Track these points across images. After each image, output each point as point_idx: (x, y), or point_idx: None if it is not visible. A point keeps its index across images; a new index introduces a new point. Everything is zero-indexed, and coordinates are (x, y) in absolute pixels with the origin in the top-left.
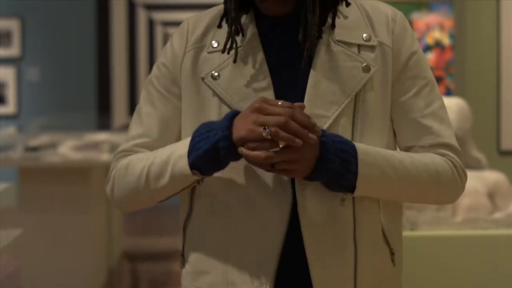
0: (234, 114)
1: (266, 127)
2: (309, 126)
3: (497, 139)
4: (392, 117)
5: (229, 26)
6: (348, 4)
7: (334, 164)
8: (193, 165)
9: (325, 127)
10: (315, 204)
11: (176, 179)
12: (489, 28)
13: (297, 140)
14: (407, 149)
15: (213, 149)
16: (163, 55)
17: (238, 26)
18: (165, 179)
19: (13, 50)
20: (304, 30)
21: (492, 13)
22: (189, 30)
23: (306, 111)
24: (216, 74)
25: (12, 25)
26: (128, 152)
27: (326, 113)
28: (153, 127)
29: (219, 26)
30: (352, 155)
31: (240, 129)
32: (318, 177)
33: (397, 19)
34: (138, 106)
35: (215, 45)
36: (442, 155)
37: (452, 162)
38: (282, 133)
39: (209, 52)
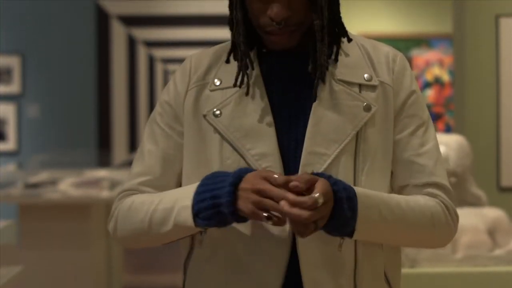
0: (238, 178)
1: (269, 216)
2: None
3: (497, 175)
4: None
5: (239, 61)
6: (349, 40)
7: (346, 212)
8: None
9: (325, 165)
10: (313, 249)
11: (180, 228)
12: (489, 64)
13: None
14: (401, 188)
15: (218, 215)
16: (166, 93)
17: (248, 60)
18: (168, 227)
19: (14, 87)
20: (313, 60)
21: (491, 50)
22: (191, 68)
23: (307, 149)
24: (218, 112)
25: (12, 62)
26: (132, 191)
27: (327, 151)
28: (155, 165)
29: (227, 61)
30: (353, 198)
31: (244, 205)
32: (331, 225)
33: (397, 59)
34: (141, 143)
35: (218, 83)
36: (434, 196)
37: (445, 204)
38: (284, 221)
39: (212, 90)
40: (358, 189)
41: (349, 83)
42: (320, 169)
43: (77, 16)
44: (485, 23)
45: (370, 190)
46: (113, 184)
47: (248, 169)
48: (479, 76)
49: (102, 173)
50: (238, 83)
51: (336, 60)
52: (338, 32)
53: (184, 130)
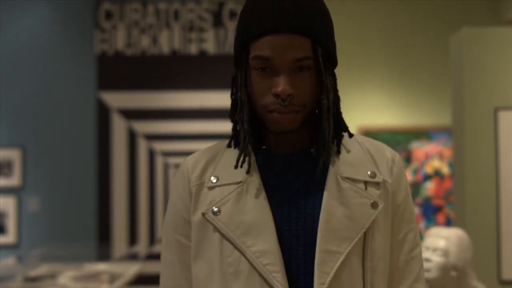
0: None
1: None
2: None
3: (498, 268)
4: None
5: (242, 140)
6: (351, 136)
7: None
8: None
9: (338, 263)
10: None
11: None
12: (488, 157)
13: None
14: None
15: None
16: (173, 203)
17: (250, 139)
18: None
19: (14, 180)
20: (318, 140)
21: (490, 142)
22: (188, 170)
23: (320, 247)
24: (216, 209)
25: (13, 155)
26: None
27: (339, 249)
28: (180, 277)
29: (229, 145)
30: None
31: None
32: None
33: (396, 160)
34: (162, 251)
35: (214, 180)
36: None
37: None
38: None
39: (209, 188)
40: None
41: (355, 181)
42: (333, 267)
43: (77, 109)
44: (484, 116)
45: None
46: (112, 278)
47: None
48: (478, 169)
49: (102, 266)
50: (240, 163)
51: (338, 152)
52: (339, 127)
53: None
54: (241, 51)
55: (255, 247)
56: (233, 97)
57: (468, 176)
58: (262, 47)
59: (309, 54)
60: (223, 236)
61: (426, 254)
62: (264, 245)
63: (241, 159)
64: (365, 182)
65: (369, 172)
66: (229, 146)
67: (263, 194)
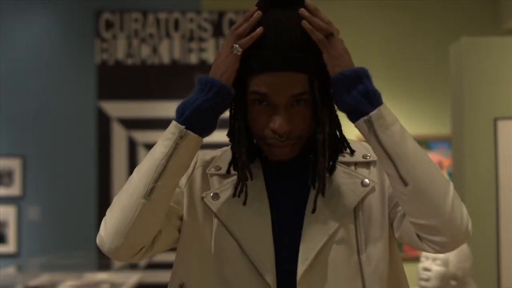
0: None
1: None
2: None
3: (497, 278)
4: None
5: (239, 171)
6: (352, 152)
7: (369, 84)
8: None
9: (330, 233)
10: None
11: (167, 145)
12: (487, 166)
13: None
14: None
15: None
16: None
17: (248, 171)
18: (158, 153)
19: (14, 189)
20: (313, 172)
21: (489, 152)
22: (199, 154)
23: (308, 221)
24: (216, 195)
25: (13, 164)
26: None
27: (329, 222)
28: None
29: (228, 171)
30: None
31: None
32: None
33: None
34: None
35: (213, 170)
36: None
37: None
38: (245, 40)
39: (211, 174)
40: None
41: (345, 163)
42: (323, 239)
43: (77, 118)
44: (483, 125)
45: None
46: (113, 287)
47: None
48: (478, 178)
49: (102, 276)
50: (237, 193)
51: (330, 174)
52: (336, 147)
53: (184, 202)
54: (239, 82)
55: (249, 234)
56: (232, 121)
57: (468, 186)
58: (259, 84)
59: (305, 90)
60: (218, 220)
61: (425, 264)
62: (258, 233)
63: (239, 188)
64: (355, 163)
65: (362, 155)
66: (228, 172)
67: (263, 186)
